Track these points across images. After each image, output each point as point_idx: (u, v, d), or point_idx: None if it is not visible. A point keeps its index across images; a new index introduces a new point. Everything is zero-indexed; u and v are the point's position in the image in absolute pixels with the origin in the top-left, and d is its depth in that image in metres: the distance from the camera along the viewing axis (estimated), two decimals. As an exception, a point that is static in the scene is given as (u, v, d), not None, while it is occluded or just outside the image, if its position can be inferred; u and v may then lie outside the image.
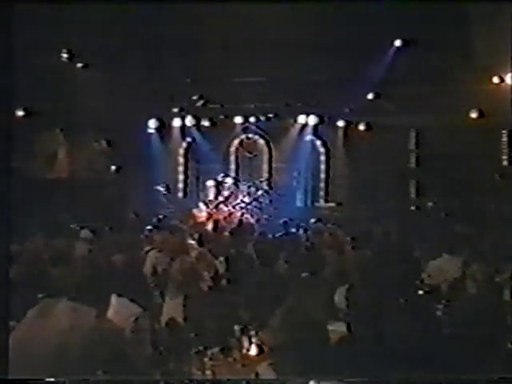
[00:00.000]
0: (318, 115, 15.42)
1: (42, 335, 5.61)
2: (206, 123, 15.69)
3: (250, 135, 15.95)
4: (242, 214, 15.37)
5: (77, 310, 6.15)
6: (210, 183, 15.65)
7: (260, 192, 15.66)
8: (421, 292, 7.99)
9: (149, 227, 13.27)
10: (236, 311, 7.22)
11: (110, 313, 6.38)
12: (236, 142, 15.93)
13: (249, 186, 15.69)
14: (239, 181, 15.77)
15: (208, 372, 6.42)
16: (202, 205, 15.40)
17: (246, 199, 15.56)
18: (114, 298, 6.66)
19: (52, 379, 5.63)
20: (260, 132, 15.90)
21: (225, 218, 15.17)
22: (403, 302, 7.28)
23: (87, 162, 15.54)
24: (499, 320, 6.84)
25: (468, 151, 14.11)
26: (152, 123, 15.47)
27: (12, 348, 5.57)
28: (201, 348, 6.53)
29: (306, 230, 13.33)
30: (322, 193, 15.67)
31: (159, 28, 13.34)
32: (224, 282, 8.27)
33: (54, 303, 5.89)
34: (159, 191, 15.43)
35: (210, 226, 14.18)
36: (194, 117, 15.59)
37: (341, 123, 15.44)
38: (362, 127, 15.26)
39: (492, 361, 6.16)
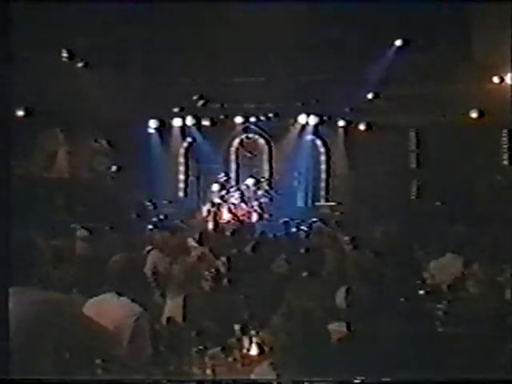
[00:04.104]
0: (319, 115, 15.41)
1: (42, 335, 5.61)
2: (206, 123, 15.68)
3: (251, 135, 15.94)
4: (243, 214, 15.37)
5: (77, 309, 6.15)
6: (211, 183, 15.64)
7: (260, 192, 15.65)
8: (421, 292, 8.00)
9: (149, 227, 13.27)
10: (236, 311, 7.22)
11: (111, 312, 6.37)
12: (236, 141, 15.93)
13: (255, 185, 15.67)
14: (239, 181, 15.76)
15: (208, 371, 6.42)
16: (202, 205, 15.40)
17: (248, 199, 15.56)
18: (114, 298, 6.65)
19: (52, 379, 5.63)
20: (260, 132, 15.89)
21: (225, 218, 15.16)
22: (403, 301, 7.28)
23: (87, 161, 15.53)
24: (500, 320, 6.84)
25: (468, 151, 14.11)
26: (152, 123, 15.46)
27: (12, 347, 5.57)
28: (201, 347, 6.53)
29: (306, 230, 13.34)
30: (322, 192, 15.67)
31: (159, 28, 13.34)
32: (225, 281, 8.27)
33: (54, 303, 5.89)
34: (159, 191, 15.42)
35: (210, 226, 14.20)
36: (195, 117, 15.58)
37: (341, 123, 15.44)
38: (362, 127, 15.26)
39: (493, 361, 6.15)
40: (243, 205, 15.48)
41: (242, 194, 15.58)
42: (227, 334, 6.83)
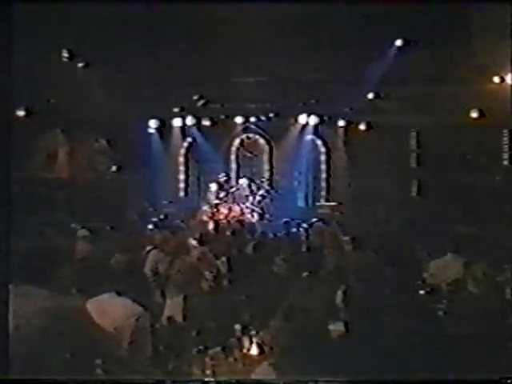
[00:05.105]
0: (319, 115, 15.39)
1: (42, 335, 5.60)
2: (206, 123, 15.66)
3: (251, 135, 15.91)
4: (243, 214, 15.35)
5: (77, 309, 6.14)
6: (211, 183, 15.63)
7: (261, 192, 15.64)
8: (422, 292, 7.99)
9: (150, 227, 13.25)
10: (237, 311, 7.22)
11: (111, 312, 6.37)
12: (237, 141, 15.90)
13: (249, 186, 15.66)
14: (243, 178, 15.74)
15: (208, 372, 6.42)
16: (204, 205, 15.39)
17: (249, 197, 15.54)
18: (114, 298, 6.65)
19: (52, 379, 5.62)
20: (261, 132, 15.86)
21: (226, 218, 15.15)
22: (404, 301, 7.28)
23: (87, 161, 15.50)
24: (501, 319, 6.84)
25: (468, 151, 14.09)
26: (152, 123, 15.43)
27: (12, 347, 5.57)
28: (201, 348, 6.53)
29: (306, 230, 13.32)
30: (322, 192, 15.65)
31: (159, 28, 13.33)
32: (225, 281, 8.27)
33: (54, 302, 5.88)
34: (160, 191, 15.40)
35: (211, 226, 14.17)
36: (195, 117, 15.56)
37: (341, 123, 15.40)
38: (362, 127, 15.23)
39: (493, 361, 6.15)
40: (243, 205, 15.47)
41: (242, 194, 15.57)
42: (227, 333, 6.83)
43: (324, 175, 15.72)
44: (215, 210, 15.35)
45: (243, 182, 15.65)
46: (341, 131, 15.52)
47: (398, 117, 14.62)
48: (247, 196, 15.61)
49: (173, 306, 7.30)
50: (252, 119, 15.74)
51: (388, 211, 13.99)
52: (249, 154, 16.00)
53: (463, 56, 13.63)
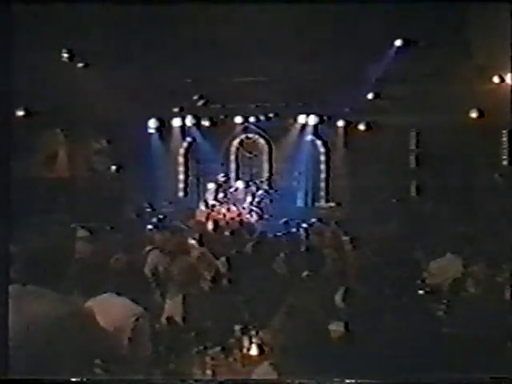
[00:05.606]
0: (318, 115, 15.42)
1: (42, 335, 5.60)
2: (206, 123, 15.69)
3: (251, 135, 15.96)
4: (242, 214, 15.37)
5: (76, 309, 6.14)
6: (211, 183, 15.65)
7: (260, 192, 15.66)
8: (421, 292, 8.00)
9: (149, 227, 13.27)
10: (236, 311, 7.22)
11: (111, 312, 6.37)
12: (236, 141, 15.94)
13: (245, 188, 15.69)
14: (239, 181, 15.77)
15: (208, 372, 6.42)
16: (202, 205, 15.40)
17: (247, 199, 15.57)
18: (114, 298, 6.65)
19: (52, 379, 5.62)
20: (260, 132, 15.90)
21: (225, 218, 15.17)
22: (404, 301, 7.28)
23: (87, 161, 15.54)
24: (500, 320, 6.84)
25: (468, 151, 14.12)
26: (152, 123, 15.46)
27: (12, 347, 5.57)
28: (201, 348, 6.53)
29: (306, 230, 13.33)
30: (322, 193, 15.68)
31: (159, 28, 13.33)
32: (224, 281, 8.27)
33: (54, 302, 5.88)
34: (159, 191, 15.43)
35: (210, 226, 14.19)
36: (195, 116, 15.59)
37: (341, 123, 15.44)
38: (362, 127, 15.27)
39: (493, 361, 6.15)
40: (242, 205, 15.49)
41: (240, 195, 15.60)
42: (227, 334, 6.83)
43: (323, 175, 15.77)
44: (214, 210, 15.38)
45: (239, 183, 15.68)
46: (340, 131, 15.56)
47: (398, 117, 14.65)
48: (244, 197, 15.65)
49: (172, 306, 7.29)
50: (252, 119, 15.79)
51: (388, 211, 14.00)
52: (248, 154, 16.04)
53: (463, 56, 13.64)
